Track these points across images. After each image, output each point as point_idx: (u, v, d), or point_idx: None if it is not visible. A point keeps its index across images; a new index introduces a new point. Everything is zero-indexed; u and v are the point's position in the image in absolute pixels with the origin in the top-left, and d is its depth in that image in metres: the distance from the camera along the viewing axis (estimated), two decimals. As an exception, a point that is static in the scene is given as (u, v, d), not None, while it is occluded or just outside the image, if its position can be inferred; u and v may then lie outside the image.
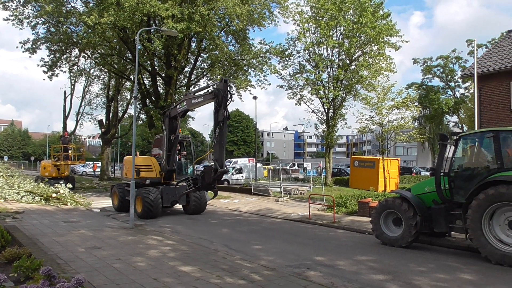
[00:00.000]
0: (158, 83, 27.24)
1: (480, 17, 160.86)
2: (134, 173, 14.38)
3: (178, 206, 17.92)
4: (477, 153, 10.45)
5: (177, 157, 17.29)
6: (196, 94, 15.20)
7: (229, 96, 13.10)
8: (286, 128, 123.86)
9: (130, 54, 25.65)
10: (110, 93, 39.40)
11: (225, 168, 13.21)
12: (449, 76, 54.40)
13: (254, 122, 54.49)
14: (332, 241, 11.61)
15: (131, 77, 29.36)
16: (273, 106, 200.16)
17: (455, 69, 53.60)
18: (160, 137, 17.46)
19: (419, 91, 49.01)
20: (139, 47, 18.62)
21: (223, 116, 12.70)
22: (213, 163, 13.26)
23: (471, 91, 40.88)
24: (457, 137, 10.23)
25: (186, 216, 16.75)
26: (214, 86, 13.65)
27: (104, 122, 39.52)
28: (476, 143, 10.40)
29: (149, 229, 12.94)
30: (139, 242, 10.42)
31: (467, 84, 47.24)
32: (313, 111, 30.74)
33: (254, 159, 39.46)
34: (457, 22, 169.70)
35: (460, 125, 54.08)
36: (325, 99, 29.15)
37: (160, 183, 16.65)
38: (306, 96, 30.70)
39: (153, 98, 26.39)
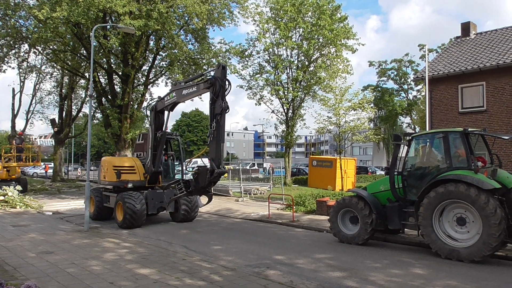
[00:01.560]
0: (114, 81, 26.40)
1: (432, 22, 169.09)
2: (88, 175, 13.87)
3: (165, 213, 16.04)
4: (428, 153, 10.94)
5: (164, 157, 15.21)
6: (187, 83, 13.29)
7: (227, 84, 11.39)
8: (246, 128, 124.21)
9: (85, 51, 24.69)
10: (63, 91, 37.80)
11: (222, 168, 11.61)
12: (403, 79, 56.62)
13: (214, 122, 54.07)
14: (291, 240, 11.76)
15: (86, 74, 28.29)
16: (233, 106, 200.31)
17: (408, 72, 55.88)
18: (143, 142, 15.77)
19: (374, 93, 50.64)
20: (94, 43, 18.01)
21: (220, 108, 11.09)
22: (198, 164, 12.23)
23: (423, 93, 42.75)
24: (410, 137, 10.66)
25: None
26: (210, 73, 12.01)
27: (57, 121, 37.91)
28: (428, 143, 10.89)
29: (105, 232, 12.55)
30: (95, 245, 10.09)
31: (419, 87, 49.44)
32: (272, 111, 31.00)
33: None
34: (411, 26, 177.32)
35: (412, 126, 56.31)
36: (284, 99, 29.47)
37: (144, 187, 14.54)
38: (266, 96, 30.91)
39: (109, 96, 25.57)
